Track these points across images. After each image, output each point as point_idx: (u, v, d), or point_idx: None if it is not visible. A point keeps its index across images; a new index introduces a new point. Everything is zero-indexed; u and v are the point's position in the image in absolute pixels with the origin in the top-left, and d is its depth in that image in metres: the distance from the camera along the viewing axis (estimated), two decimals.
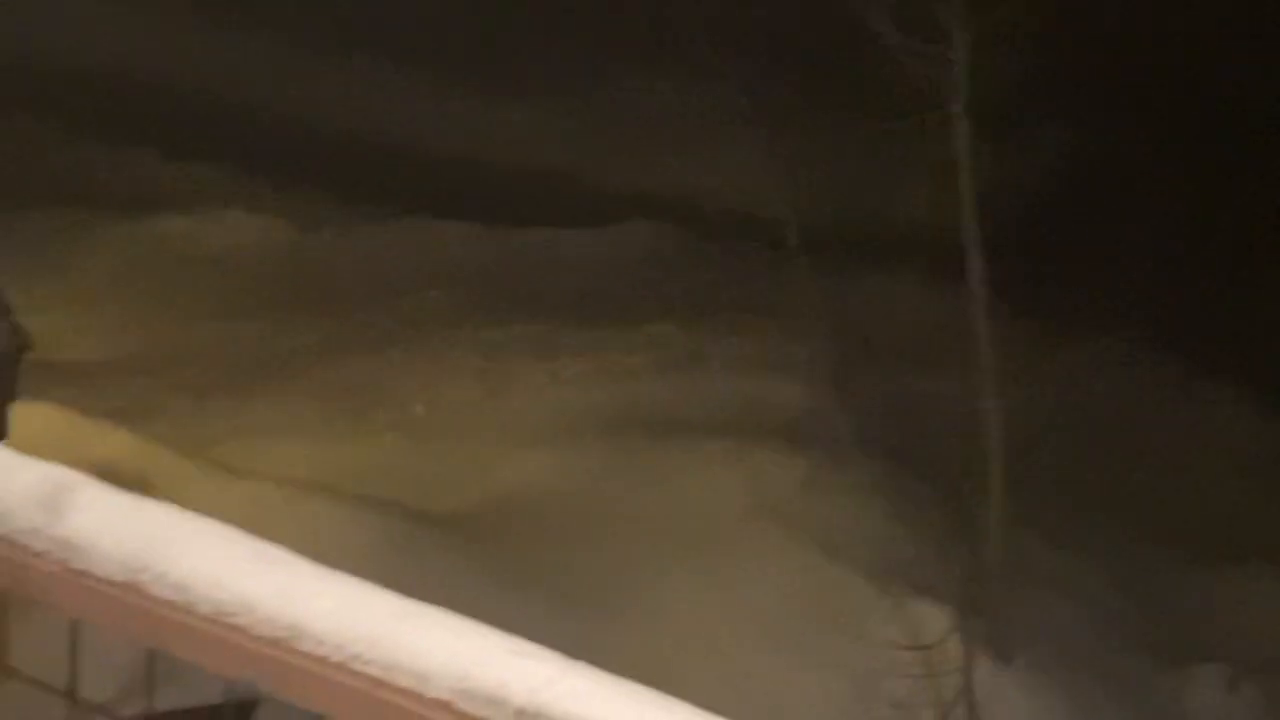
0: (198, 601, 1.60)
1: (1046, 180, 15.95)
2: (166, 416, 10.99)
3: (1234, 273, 15.02)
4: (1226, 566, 11.05)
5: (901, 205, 15.73)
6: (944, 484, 10.40)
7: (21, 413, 8.60)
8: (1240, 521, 11.72)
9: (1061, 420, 12.05)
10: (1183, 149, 15.78)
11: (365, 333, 12.84)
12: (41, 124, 17.02)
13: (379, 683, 1.54)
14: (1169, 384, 13.33)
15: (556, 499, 10.10)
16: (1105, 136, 16.27)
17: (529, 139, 18.17)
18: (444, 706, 1.51)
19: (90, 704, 1.83)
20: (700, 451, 10.61)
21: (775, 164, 10.71)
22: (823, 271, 11.09)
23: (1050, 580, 10.28)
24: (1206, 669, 9.99)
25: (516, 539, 9.61)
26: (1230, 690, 9.93)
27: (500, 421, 11.25)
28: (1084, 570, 10.55)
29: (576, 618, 8.75)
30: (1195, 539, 11.29)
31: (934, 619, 9.39)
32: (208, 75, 18.78)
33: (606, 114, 18.48)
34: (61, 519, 1.72)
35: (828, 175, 14.79)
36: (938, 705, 9.11)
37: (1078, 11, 12.67)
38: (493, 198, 16.47)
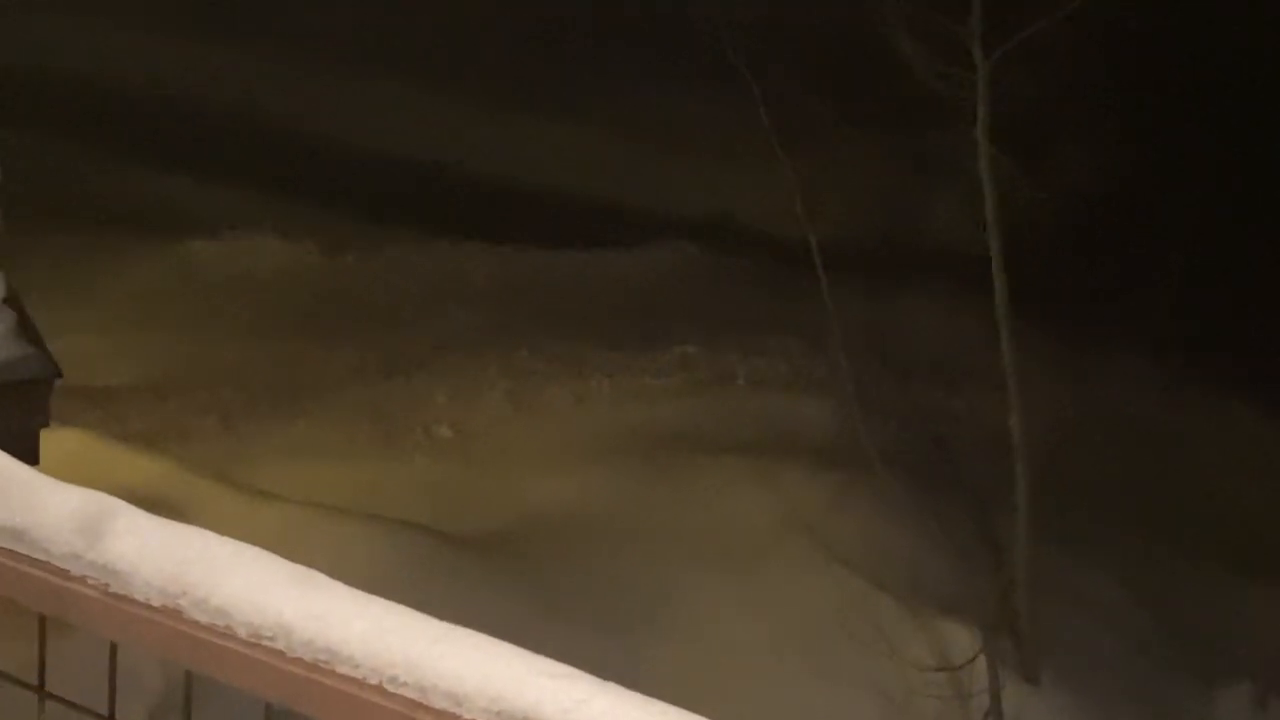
0: (236, 625, 1.63)
1: (1070, 198, 15.93)
2: (196, 440, 11.04)
3: (1260, 287, 14.98)
4: (1254, 582, 11.01)
5: (927, 224, 15.74)
6: (971, 502, 10.40)
7: (52, 438, 8.64)
8: (1267, 537, 11.68)
9: (1088, 436, 12.03)
10: (1207, 165, 15.74)
11: (393, 355, 12.88)
12: (70, 146, 17.15)
13: (415, 705, 1.56)
14: (1195, 399, 13.30)
15: (587, 519, 10.12)
16: (1128, 155, 16.25)
17: (556, 159, 18.23)
18: None
19: None
20: (729, 471, 10.62)
21: (801, 183, 10.73)
22: (849, 290, 11.10)
23: (1077, 598, 10.26)
24: (1234, 687, 9.95)
25: (548, 560, 9.62)
26: (1259, 708, 9.89)
27: (529, 443, 11.27)
28: (1111, 588, 10.52)
29: (609, 637, 8.76)
30: (1222, 555, 11.25)
31: (962, 638, 9.38)
32: (236, 98, 18.89)
33: (633, 133, 18.52)
34: (101, 544, 1.75)
35: (853, 194, 14.81)
36: None
37: (1101, 31, 12.67)
38: (520, 219, 16.52)
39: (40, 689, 1.87)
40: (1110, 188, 16.11)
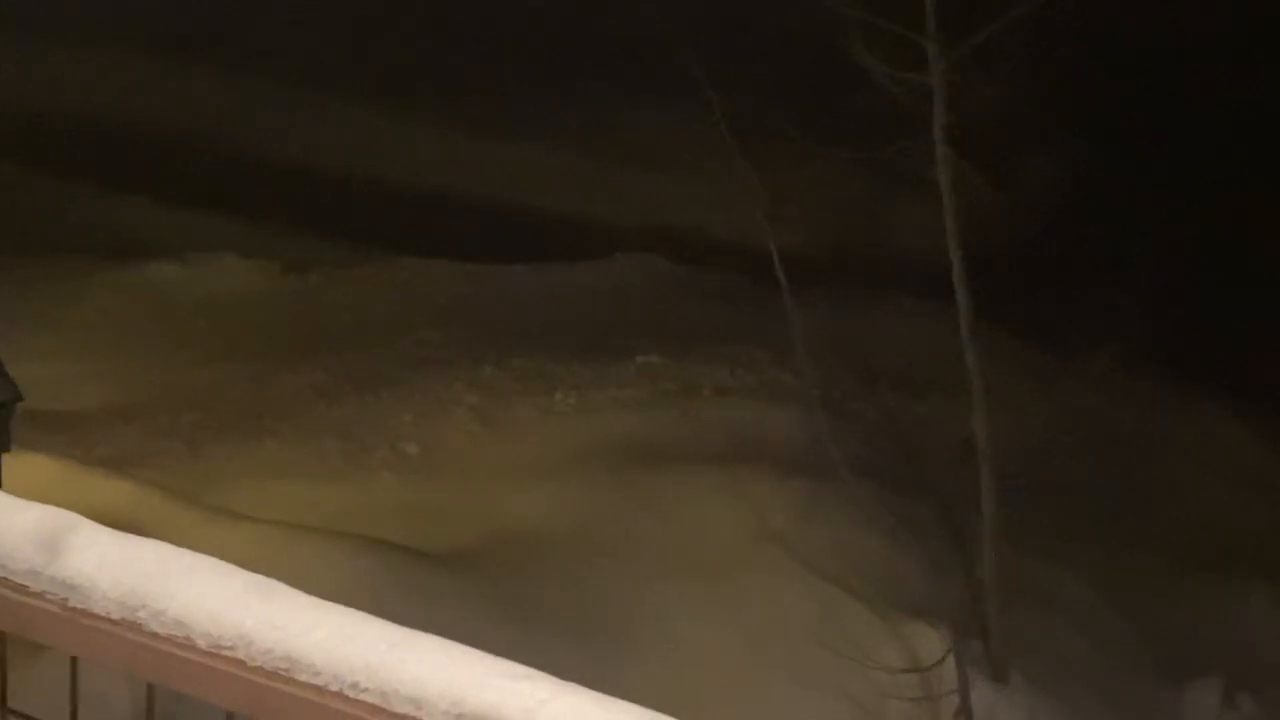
0: (195, 636, 1.63)
1: (1037, 203, 16.02)
2: (161, 462, 11.00)
3: (1227, 289, 15.09)
4: (1221, 580, 11.07)
5: (891, 232, 15.80)
6: (939, 506, 10.43)
7: (15, 463, 8.61)
8: (1235, 536, 11.75)
9: (1055, 439, 12.09)
10: (1172, 168, 15.85)
11: (358, 373, 12.85)
12: (30, 172, 17.08)
13: (376, 710, 1.57)
14: (1163, 401, 13.37)
15: (556, 534, 10.11)
16: (1093, 159, 16.35)
17: (519, 175, 18.24)
18: None
19: None
20: (697, 481, 10.64)
21: (765, 195, 10.76)
22: (814, 299, 11.13)
23: (1046, 598, 10.30)
24: (1203, 683, 10.00)
25: (518, 575, 9.61)
26: (1227, 703, 9.94)
27: (496, 458, 11.26)
28: (1079, 588, 10.57)
29: (582, 651, 8.75)
30: (1190, 554, 11.31)
31: (931, 640, 9.41)
32: (197, 121, 18.85)
33: (597, 147, 18.55)
34: (59, 559, 1.74)
35: (818, 205, 14.86)
36: None
37: (1061, 37, 12.74)
38: (484, 234, 16.53)
39: (2, 704, 1.86)
40: (1073, 191, 16.21)
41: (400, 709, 1.57)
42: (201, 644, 1.64)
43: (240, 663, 1.62)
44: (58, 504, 1.87)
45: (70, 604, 1.73)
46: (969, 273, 9.51)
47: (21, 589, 1.76)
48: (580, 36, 19.26)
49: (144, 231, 16.31)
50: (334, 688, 1.59)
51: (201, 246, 15.63)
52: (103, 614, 1.71)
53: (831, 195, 15.49)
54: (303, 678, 1.60)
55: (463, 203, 17.70)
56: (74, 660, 1.79)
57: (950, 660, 9.14)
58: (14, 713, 1.87)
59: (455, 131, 18.87)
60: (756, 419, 11.65)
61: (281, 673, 1.61)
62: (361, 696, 1.58)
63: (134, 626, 1.68)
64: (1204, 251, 15.19)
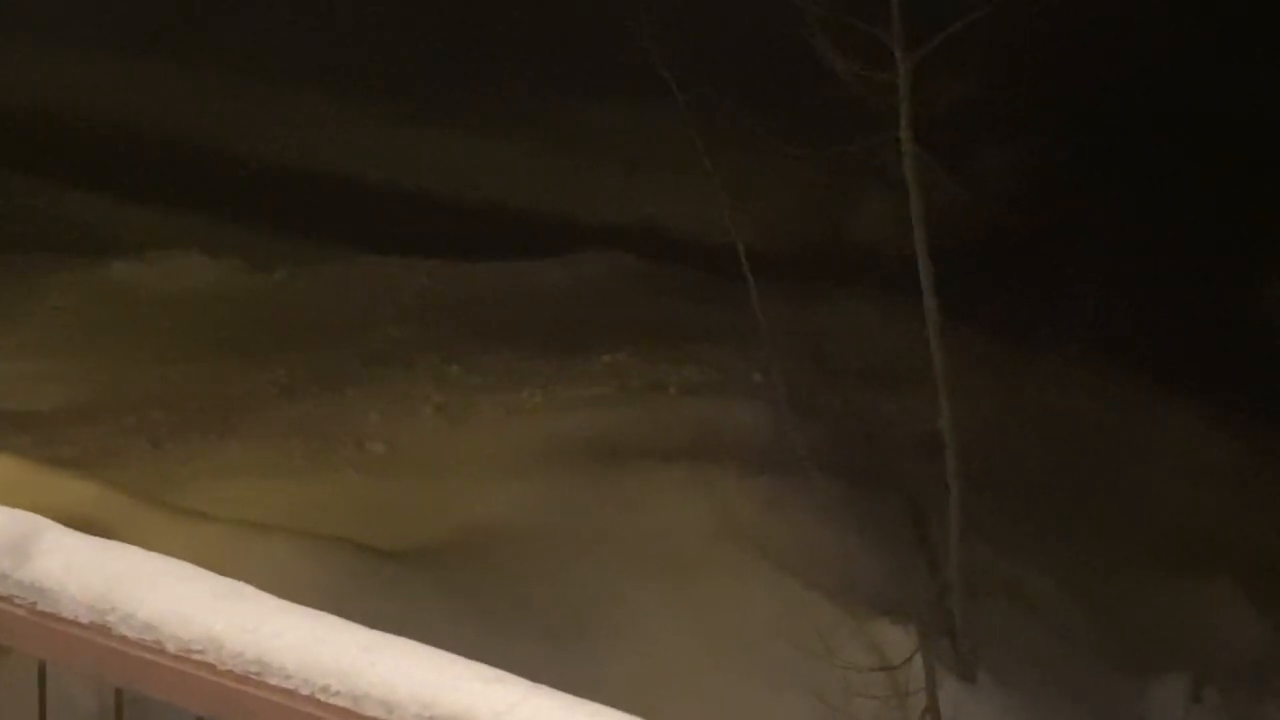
0: (165, 640, 1.63)
1: (998, 199, 16.07)
2: (125, 462, 10.94)
3: (1187, 286, 15.17)
4: (1186, 577, 11.13)
5: (856, 228, 15.84)
6: (905, 503, 10.46)
7: None
8: (1198, 532, 11.82)
9: (1021, 435, 12.14)
10: (1130, 165, 15.94)
11: (323, 371, 12.81)
12: None
13: (348, 714, 1.56)
14: (1125, 398, 13.44)
15: (522, 531, 10.10)
16: (1053, 155, 16.42)
17: (483, 171, 18.21)
18: None
19: None
20: (663, 478, 10.64)
21: (728, 191, 10.77)
22: (779, 295, 11.14)
23: (1013, 596, 10.34)
24: (1169, 679, 10.06)
25: (484, 572, 9.60)
26: (1193, 700, 9.99)
27: (462, 455, 11.24)
28: (1046, 584, 10.61)
29: (548, 648, 8.75)
30: (1154, 550, 11.37)
31: (898, 638, 9.43)
32: (160, 115, 18.75)
33: (561, 143, 18.53)
34: (28, 563, 1.73)
35: (781, 200, 14.89)
36: None
37: (1022, 34, 12.80)
38: (448, 231, 16.49)
39: None
40: (1036, 186, 16.27)
41: (372, 712, 1.56)
42: (171, 648, 1.63)
43: (210, 666, 1.62)
44: (21, 505, 1.86)
45: (39, 608, 1.72)
46: (934, 268, 9.53)
47: None
48: (545, 32, 19.24)
49: (105, 228, 16.22)
50: (305, 691, 1.59)
51: (164, 244, 15.55)
52: (71, 618, 1.70)
53: (797, 191, 15.52)
54: (274, 681, 1.60)
55: (428, 199, 17.66)
56: (42, 664, 1.78)
57: (918, 658, 9.16)
58: None
59: (421, 127, 18.83)
60: (722, 415, 11.66)
61: (252, 676, 1.60)
62: (333, 700, 1.57)
63: (103, 630, 1.67)
64: (1167, 247, 15.27)
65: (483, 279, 15.20)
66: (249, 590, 1.67)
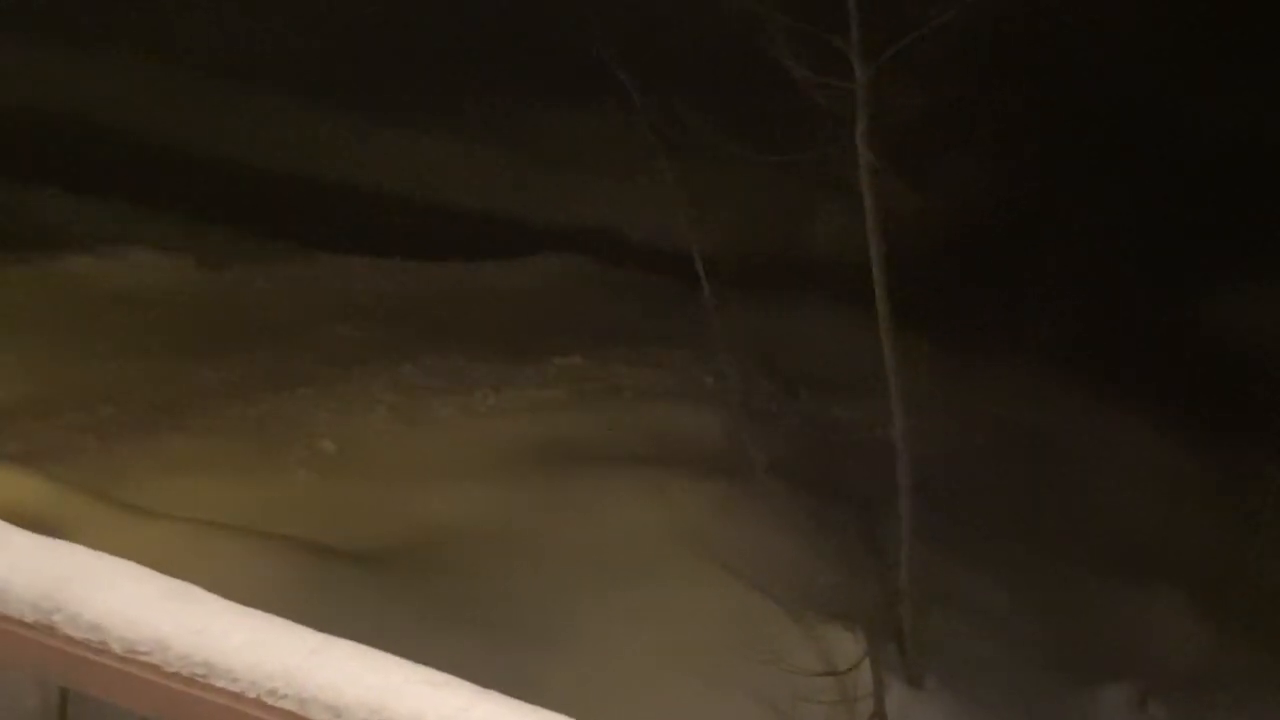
0: (111, 640, 1.61)
1: (953, 209, 16.15)
2: (73, 458, 10.86)
3: (1140, 297, 15.27)
4: (1134, 586, 11.20)
5: (813, 236, 15.88)
6: (856, 509, 10.49)
7: None
8: (1147, 541, 11.90)
9: (973, 443, 12.19)
10: (1085, 178, 16.03)
11: (275, 369, 12.75)
12: None
13: (294, 717, 1.55)
14: (1076, 407, 13.52)
15: (474, 533, 10.08)
16: (1010, 165, 16.50)
17: (439, 172, 18.17)
18: None
19: None
20: (616, 482, 10.64)
21: (687, 196, 10.78)
22: (735, 302, 11.17)
23: (962, 602, 10.38)
24: (1116, 688, 10.12)
25: (436, 574, 9.57)
26: (1139, 708, 10.06)
27: (414, 456, 11.21)
28: (995, 592, 10.66)
29: (499, 651, 8.73)
30: (1104, 559, 11.44)
31: (847, 643, 9.45)
32: (111, 110, 18.62)
33: (518, 147, 18.51)
34: None
35: (739, 207, 14.91)
36: None
37: (981, 44, 12.86)
38: (403, 232, 16.45)
39: None
40: (992, 197, 16.35)
41: (318, 716, 1.55)
42: (117, 648, 1.62)
43: (156, 668, 1.60)
44: None
45: None
46: (889, 277, 9.57)
47: None
48: (504, 35, 19.21)
49: (55, 222, 16.09)
50: (251, 694, 1.58)
51: (115, 239, 15.44)
52: (16, 616, 1.68)
53: (753, 197, 15.54)
54: (220, 684, 1.58)
55: (383, 199, 17.61)
56: None
57: (866, 664, 9.19)
58: None
59: (376, 127, 18.77)
60: (676, 420, 11.67)
61: (198, 678, 1.59)
62: (280, 703, 1.56)
63: (48, 630, 1.66)
64: (1119, 258, 15.37)
65: (438, 280, 15.17)
66: (197, 592, 1.66)
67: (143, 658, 1.61)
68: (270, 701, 1.57)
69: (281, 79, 19.17)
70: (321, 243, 15.89)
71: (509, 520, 10.26)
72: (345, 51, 19.56)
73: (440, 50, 19.27)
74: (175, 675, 1.60)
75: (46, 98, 18.56)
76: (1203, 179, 16.43)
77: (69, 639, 1.64)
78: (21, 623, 1.68)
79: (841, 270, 11.40)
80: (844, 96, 9.35)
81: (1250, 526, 11.54)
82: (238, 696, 1.57)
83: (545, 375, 12.69)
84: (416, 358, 12.98)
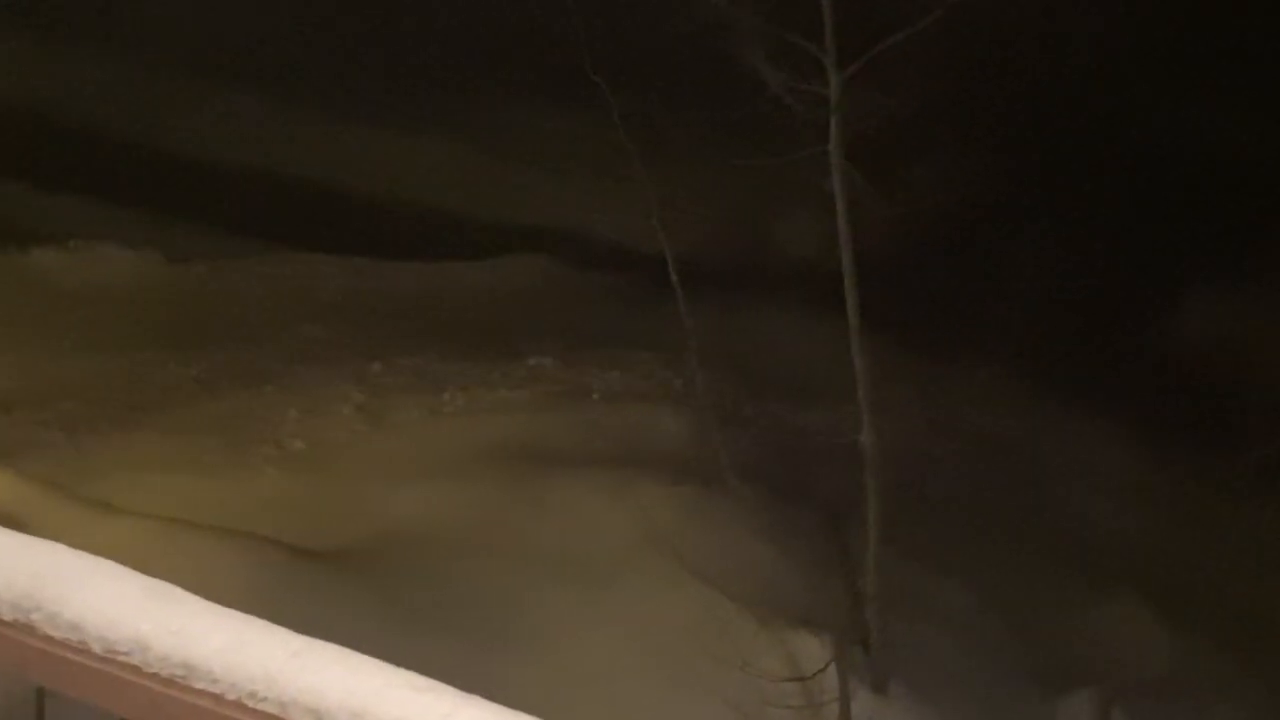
0: (90, 640, 1.59)
1: (923, 217, 16.19)
2: (39, 453, 10.80)
3: (1106, 306, 15.33)
4: (1099, 593, 11.24)
5: (782, 240, 15.89)
6: (824, 515, 10.50)
7: None
8: (1111, 549, 11.94)
9: (940, 451, 12.21)
10: (1056, 188, 16.08)
11: (242, 367, 12.70)
12: None
13: None
14: (1044, 415, 13.56)
15: (442, 533, 10.05)
16: (982, 175, 16.54)
17: (409, 171, 18.11)
18: None
19: None
20: (584, 484, 10.62)
21: (657, 198, 10.77)
22: (705, 305, 11.17)
23: (928, 608, 10.40)
24: (1079, 693, 10.15)
25: (403, 573, 9.54)
26: (1102, 714, 10.09)
27: (382, 455, 11.18)
28: (961, 598, 10.68)
29: (465, 650, 8.71)
30: (1070, 566, 11.47)
31: (813, 648, 9.46)
32: (80, 105, 18.52)
33: (489, 147, 18.47)
34: None
35: (709, 210, 14.91)
36: None
37: (955, 52, 12.90)
38: (372, 231, 16.39)
39: None
40: (965, 205, 16.39)
41: (300, 719, 1.54)
42: (96, 648, 1.60)
43: (135, 668, 1.59)
44: None
45: None
46: (860, 283, 9.58)
47: None
48: (475, 34, 19.17)
49: (25, 217, 15.99)
50: (231, 696, 1.56)
51: (85, 234, 15.36)
52: None
53: (727, 202, 15.55)
54: (200, 685, 1.57)
55: (352, 198, 17.54)
56: None
57: (832, 668, 9.19)
58: None
59: (347, 125, 18.70)
60: (645, 423, 11.67)
61: (178, 680, 1.57)
62: (260, 706, 1.55)
63: (27, 629, 1.64)
64: (1084, 270, 15.43)
65: (407, 279, 15.13)
66: (177, 592, 1.65)
67: (122, 658, 1.59)
68: (251, 704, 1.55)
69: (251, 76, 19.08)
70: (290, 240, 15.83)
71: (476, 521, 10.24)
72: (316, 49, 19.49)
73: (412, 49, 19.21)
74: (155, 676, 1.58)
75: (13, 93, 18.45)
76: (1168, 189, 16.51)
77: (48, 638, 1.63)
78: (0, 621, 1.67)
79: (813, 275, 11.42)
80: (818, 102, 9.36)
81: (1215, 535, 11.61)
82: (218, 699, 1.56)
83: (514, 376, 12.67)
84: (385, 357, 12.95)
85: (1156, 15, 16.76)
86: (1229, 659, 10.81)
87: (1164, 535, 12.35)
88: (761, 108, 9.59)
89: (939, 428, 12.48)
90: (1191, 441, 13.26)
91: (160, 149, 17.97)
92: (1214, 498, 12.15)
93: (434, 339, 13.39)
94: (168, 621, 1.60)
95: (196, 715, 1.56)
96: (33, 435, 11.19)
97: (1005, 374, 13.40)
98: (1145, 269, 15.93)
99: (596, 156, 14.07)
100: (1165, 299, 15.99)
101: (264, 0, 20.09)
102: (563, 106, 15.98)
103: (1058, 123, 16.80)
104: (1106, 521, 12.34)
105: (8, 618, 1.64)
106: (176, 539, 9.17)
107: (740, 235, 15.86)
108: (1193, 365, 14.75)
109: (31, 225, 15.60)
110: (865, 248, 9.79)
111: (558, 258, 15.70)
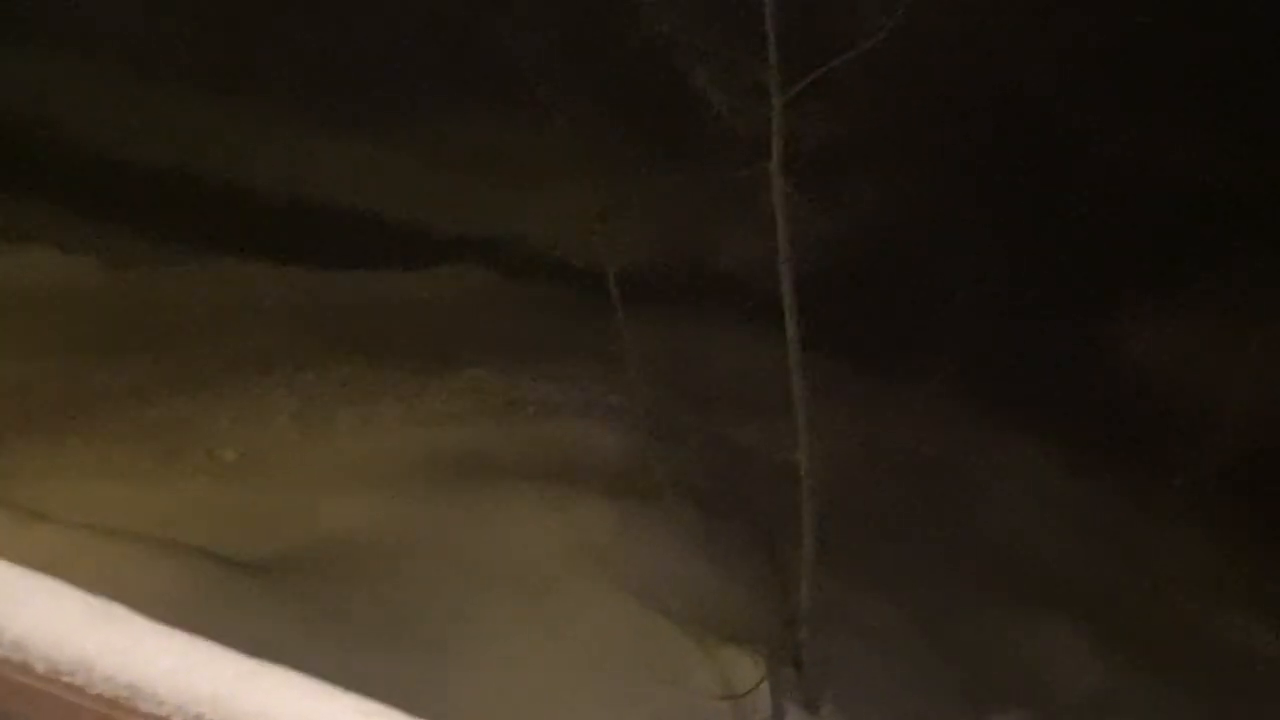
0: (34, 660, 1.56)
1: (861, 232, 16.27)
2: None
3: (1043, 323, 15.45)
4: (1031, 613, 11.32)
5: (721, 254, 15.93)
6: (759, 531, 10.51)
7: None
8: (1044, 568, 12.03)
9: (876, 469, 12.27)
10: (997, 205, 16.20)
11: (176, 374, 12.59)
12: None
13: None
14: (981, 434, 13.65)
15: (375, 544, 9.99)
16: (922, 192, 16.65)
17: (346, 178, 18.04)
18: None
19: None
20: (520, 497, 10.60)
21: (595, 210, 10.77)
22: (641, 318, 11.16)
23: (859, 627, 10.43)
24: (1012, 713, 10.21)
25: (335, 585, 9.48)
26: None
27: (316, 465, 11.10)
28: (894, 617, 10.72)
29: (399, 663, 8.66)
30: (1004, 586, 11.54)
31: (746, 666, 9.47)
32: (15, 105, 18.33)
33: (426, 154, 18.42)
34: None
35: (648, 223, 14.93)
36: None
37: (893, 70, 12.97)
38: (308, 238, 16.30)
39: None
40: (904, 223, 16.49)
41: None
42: (40, 668, 1.57)
43: (79, 689, 1.56)
44: None
45: None
46: (799, 299, 9.60)
47: None
48: (417, 42, 19.12)
49: None
50: (177, 718, 1.54)
51: (16, 237, 15.19)
52: None
53: (664, 213, 15.57)
54: (145, 707, 1.54)
55: (287, 204, 17.44)
56: None
57: (764, 687, 9.20)
58: None
59: (285, 130, 18.60)
60: (582, 436, 11.65)
61: (123, 701, 1.55)
62: None
63: None
64: (1021, 286, 15.55)
65: (343, 288, 15.05)
66: (123, 612, 1.61)
67: (66, 678, 1.56)
68: None
69: (189, 79, 18.95)
70: (226, 247, 15.71)
71: (410, 532, 10.19)
72: (253, 52, 19.38)
73: (349, 55, 19.14)
74: (99, 697, 1.55)
75: None
76: (1109, 210, 16.66)
77: None
78: None
79: (753, 290, 11.43)
80: (760, 121, 9.38)
81: (1147, 556, 11.71)
82: None
83: (450, 387, 12.62)
84: (320, 365, 12.86)
85: (1106, 34, 16.93)
86: (1161, 680, 10.90)
87: (1096, 556, 12.45)
88: (705, 123, 9.61)
89: (876, 446, 12.54)
90: (1125, 462, 13.38)
91: (97, 152, 17.81)
92: (1146, 519, 12.26)
93: (369, 348, 13.32)
94: (113, 641, 1.57)
95: None
96: None
97: (944, 392, 13.47)
98: (1084, 291, 16.07)
99: (536, 167, 14.06)
100: (1104, 320, 16.13)
101: (201, 3, 19.97)
102: (502, 116, 15.97)
103: (1000, 142, 16.94)
104: (1040, 542, 12.43)
105: None
106: (101, 548, 9.07)
107: (681, 249, 15.88)
108: (1129, 386, 14.89)
109: None
110: (805, 262, 9.82)
111: (496, 268, 15.67)
